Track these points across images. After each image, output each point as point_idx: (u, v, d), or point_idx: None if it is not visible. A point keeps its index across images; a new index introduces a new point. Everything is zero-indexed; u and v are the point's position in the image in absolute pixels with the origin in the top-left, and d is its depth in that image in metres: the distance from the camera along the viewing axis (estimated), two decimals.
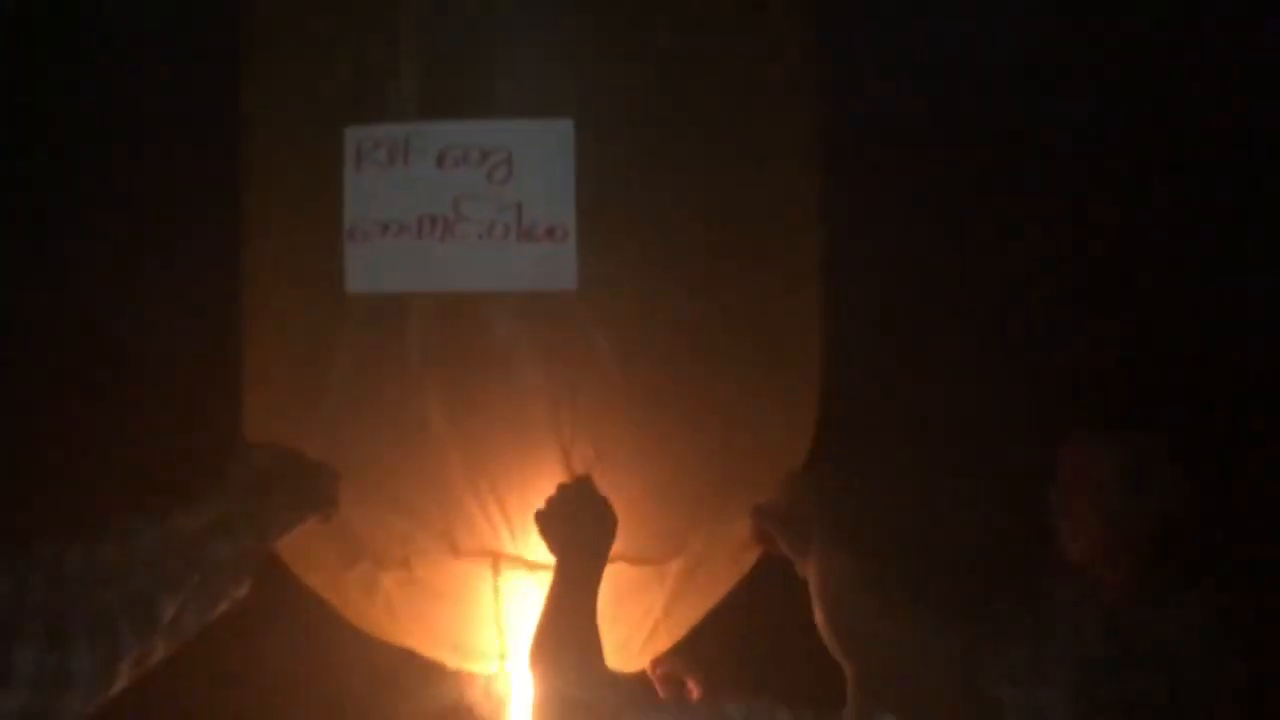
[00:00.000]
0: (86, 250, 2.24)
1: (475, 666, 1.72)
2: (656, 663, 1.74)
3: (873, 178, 2.02)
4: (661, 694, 1.76)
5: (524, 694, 1.71)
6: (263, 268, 1.64)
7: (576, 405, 1.50)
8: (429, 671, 1.76)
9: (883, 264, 2.04)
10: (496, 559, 1.57)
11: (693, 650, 1.76)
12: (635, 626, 1.65)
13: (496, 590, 1.60)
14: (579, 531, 1.47)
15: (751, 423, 1.60)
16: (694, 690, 1.73)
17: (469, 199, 1.48)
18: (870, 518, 1.24)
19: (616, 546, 1.50)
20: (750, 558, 1.70)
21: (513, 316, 1.50)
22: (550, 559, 1.51)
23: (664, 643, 1.71)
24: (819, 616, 1.27)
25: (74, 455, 2.15)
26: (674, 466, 1.55)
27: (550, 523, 1.49)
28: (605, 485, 1.50)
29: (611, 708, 1.25)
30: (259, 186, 1.65)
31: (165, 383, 2.18)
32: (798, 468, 1.65)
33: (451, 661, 1.73)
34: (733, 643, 1.75)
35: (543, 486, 1.52)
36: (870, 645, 1.21)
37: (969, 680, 1.20)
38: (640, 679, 1.37)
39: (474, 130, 1.48)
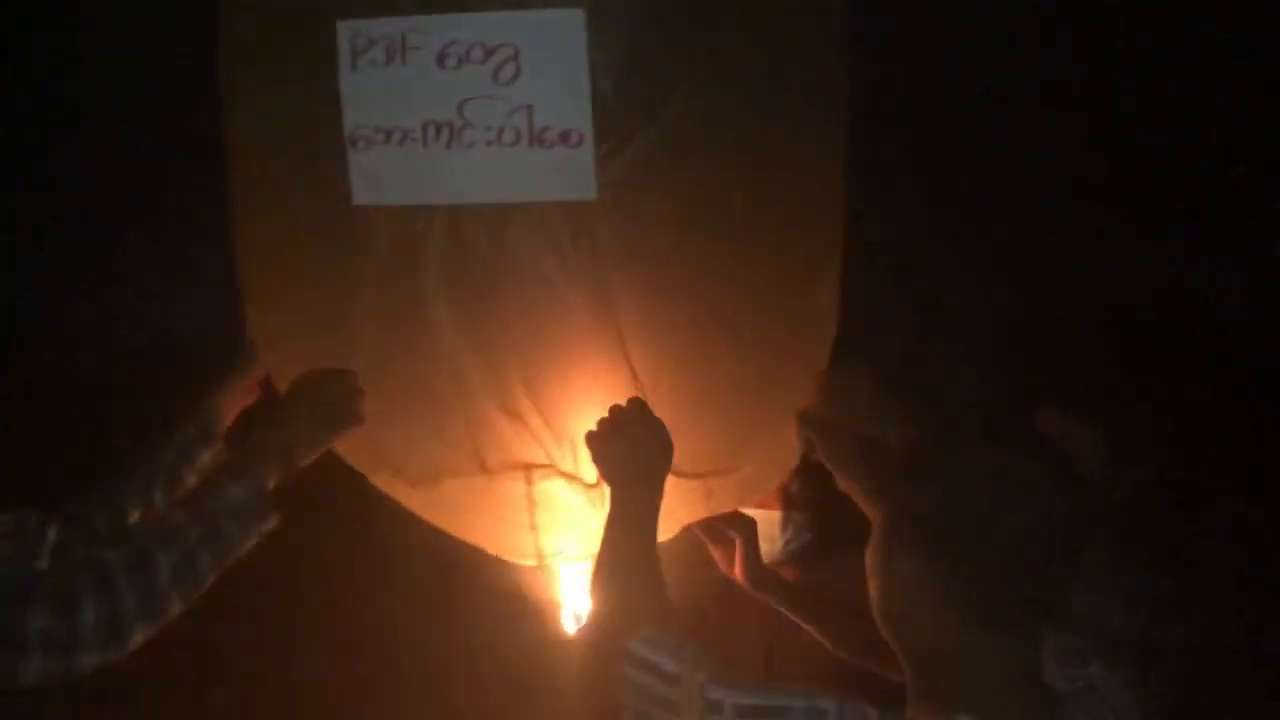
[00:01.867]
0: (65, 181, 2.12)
1: (515, 560, 1.72)
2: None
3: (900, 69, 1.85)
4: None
5: (568, 586, 1.74)
6: (262, 178, 1.54)
7: (610, 317, 1.42)
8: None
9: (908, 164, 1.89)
10: (529, 469, 1.54)
11: None
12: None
13: (530, 499, 1.58)
14: (635, 457, 1.40)
15: (788, 324, 1.52)
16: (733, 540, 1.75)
17: (475, 102, 1.36)
18: (935, 505, 1.14)
19: None
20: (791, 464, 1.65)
21: (533, 226, 1.40)
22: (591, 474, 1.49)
23: None
24: (876, 613, 1.20)
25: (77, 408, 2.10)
26: (717, 376, 1.47)
27: (602, 447, 1.42)
28: (651, 400, 1.44)
29: (676, 665, 1.19)
30: (248, 85, 1.52)
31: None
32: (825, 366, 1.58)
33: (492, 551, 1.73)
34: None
35: (579, 403, 1.46)
36: (936, 648, 1.13)
37: (1036, 677, 1.13)
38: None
39: (476, 24, 1.34)
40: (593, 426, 1.45)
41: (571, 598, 1.78)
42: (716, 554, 1.77)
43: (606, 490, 1.45)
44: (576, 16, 1.32)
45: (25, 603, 1.27)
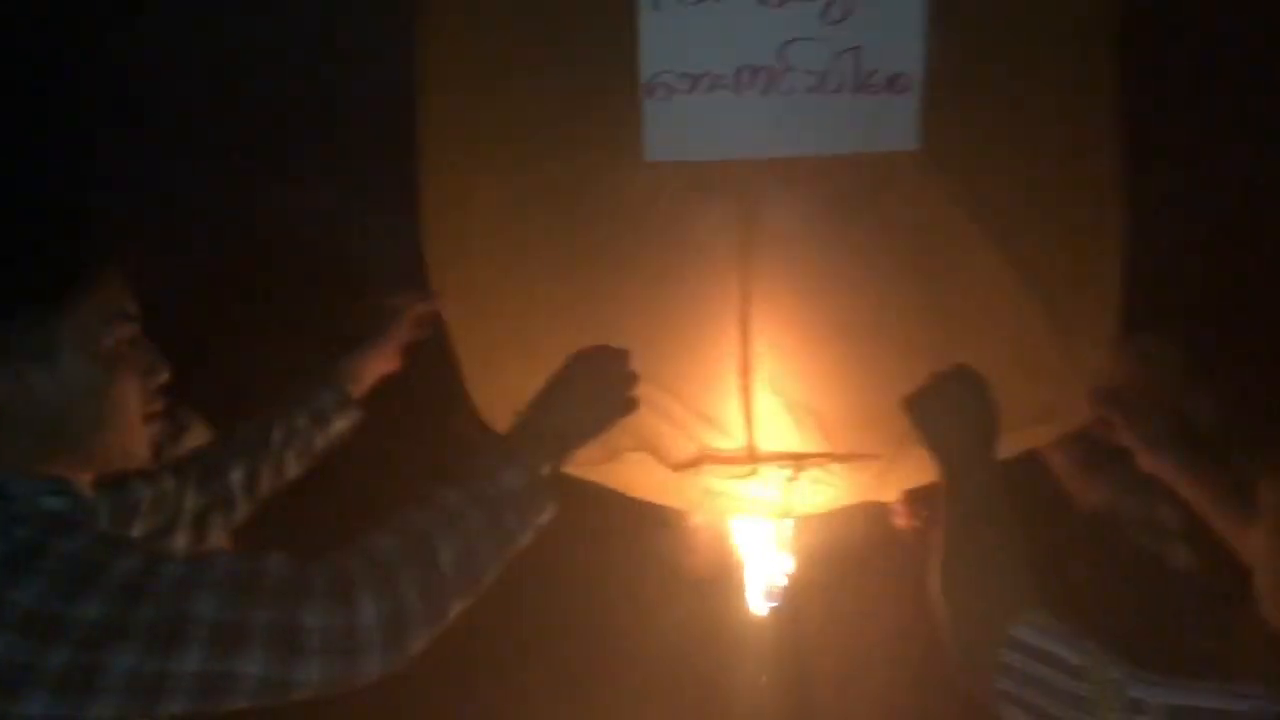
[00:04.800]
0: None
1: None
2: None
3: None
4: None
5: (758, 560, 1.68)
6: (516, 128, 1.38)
7: (932, 295, 1.31)
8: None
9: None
10: (799, 460, 1.42)
11: None
12: None
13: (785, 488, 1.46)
14: (966, 424, 1.28)
15: (1075, 291, 1.44)
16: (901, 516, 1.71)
17: (798, 44, 1.24)
18: None
19: None
20: None
21: (845, 185, 1.29)
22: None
23: None
24: (1272, 594, 1.11)
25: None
26: (1023, 344, 1.38)
27: (926, 412, 1.29)
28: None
29: (1080, 658, 1.06)
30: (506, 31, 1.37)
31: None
32: (1118, 341, 1.50)
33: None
34: None
35: (869, 382, 1.35)
36: None
37: None
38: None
39: None
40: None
41: (761, 573, 1.70)
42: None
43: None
44: None
45: (300, 599, 1.07)
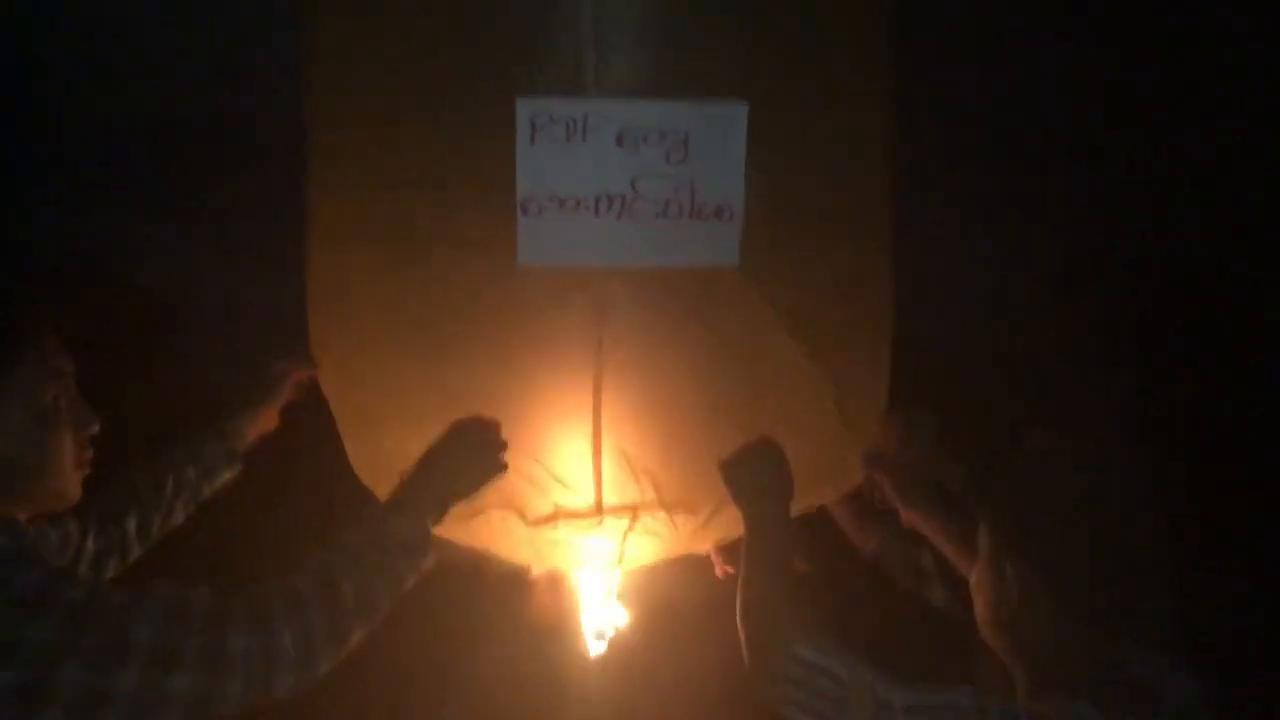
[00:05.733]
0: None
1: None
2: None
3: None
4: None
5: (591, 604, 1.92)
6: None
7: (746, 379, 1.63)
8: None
9: None
10: (635, 511, 1.70)
11: None
12: None
13: (624, 538, 1.73)
14: (767, 485, 1.57)
15: (854, 377, 1.80)
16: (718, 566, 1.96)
17: (647, 178, 1.54)
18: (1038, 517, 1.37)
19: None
20: None
21: (679, 291, 1.59)
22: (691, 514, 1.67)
23: None
24: (986, 619, 1.38)
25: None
26: (815, 419, 1.72)
27: (736, 473, 1.59)
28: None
29: (845, 670, 1.31)
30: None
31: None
32: (883, 411, 1.85)
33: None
34: None
35: (695, 449, 1.65)
36: (1046, 649, 1.32)
37: (1122, 667, 1.31)
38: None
39: (653, 112, 1.52)
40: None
41: (594, 615, 1.95)
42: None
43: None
44: (741, 109, 1.55)
45: (226, 625, 1.27)
